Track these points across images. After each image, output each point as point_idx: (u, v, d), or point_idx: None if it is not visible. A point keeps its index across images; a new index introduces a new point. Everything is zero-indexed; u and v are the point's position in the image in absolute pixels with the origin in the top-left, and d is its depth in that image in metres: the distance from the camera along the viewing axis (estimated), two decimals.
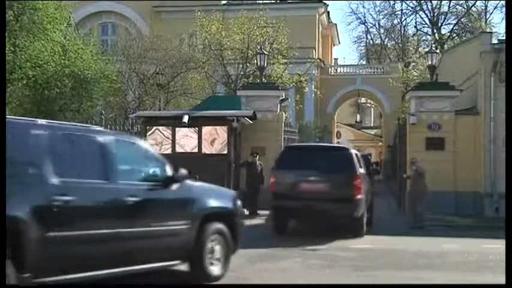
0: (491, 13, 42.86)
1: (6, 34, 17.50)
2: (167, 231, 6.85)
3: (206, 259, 7.23)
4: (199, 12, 26.67)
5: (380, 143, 47.89)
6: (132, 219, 6.46)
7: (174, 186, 6.98)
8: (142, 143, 7.55)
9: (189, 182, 7.26)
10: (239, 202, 8.10)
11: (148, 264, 6.72)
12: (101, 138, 6.54)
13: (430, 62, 18.39)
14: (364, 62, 48.48)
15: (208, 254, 7.27)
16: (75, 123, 8.07)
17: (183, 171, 7.12)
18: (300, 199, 11.81)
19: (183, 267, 7.29)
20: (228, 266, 7.62)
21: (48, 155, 5.83)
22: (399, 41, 44.98)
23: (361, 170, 12.70)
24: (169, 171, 7.02)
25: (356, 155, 12.94)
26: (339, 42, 50.71)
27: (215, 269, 7.36)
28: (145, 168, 7.06)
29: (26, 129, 5.87)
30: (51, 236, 5.56)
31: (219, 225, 7.44)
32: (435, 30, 42.02)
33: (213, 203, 7.54)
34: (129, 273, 6.50)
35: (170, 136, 16.60)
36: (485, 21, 40.25)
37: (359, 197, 12.00)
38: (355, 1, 60.66)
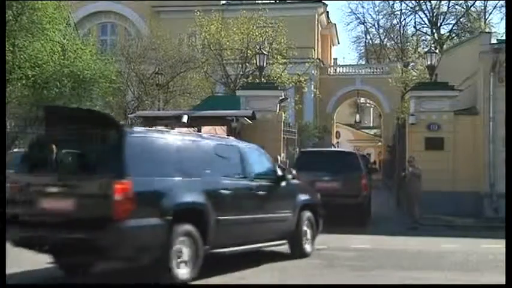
0: (490, 13, 42.86)
1: (6, 34, 17.49)
2: (281, 218, 9.02)
3: (302, 240, 9.41)
4: (198, 12, 26.68)
5: (379, 143, 47.88)
6: (260, 207, 8.55)
7: (283, 183, 9.20)
8: (261, 150, 9.56)
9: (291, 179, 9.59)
10: (319, 195, 10.29)
11: (269, 242, 8.91)
12: (239, 147, 8.88)
13: (429, 62, 18.37)
14: (363, 62, 48.45)
15: (303, 236, 9.42)
16: (220, 136, 10.30)
17: (293, 171, 9.82)
18: None
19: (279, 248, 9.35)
20: (314, 246, 9.73)
21: (215, 159, 8.02)
22: (398, 41, 44.95)
23: (365, 170, 15.13)
24: (279, 171, 9.34)
25: (360, 157, 15.53)
26: (338, 42, 50.75)
27: (308, 247, 9.59)
28: (265, 168, 9.18)
29: (198, 140, 8.14)
30: (220, 219, 7.52)
31: (309, 213, 9.65)
32: (434, 30, 42.00)
33: (305, 196, 9.77)
34: (256, 250, 8.68)
35: None
36: (485, 21, 40.24)
37: (365, 193, 14.69)
38: (355, 1, 60.52)
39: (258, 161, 9.15)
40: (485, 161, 16.74)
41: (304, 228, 9.48)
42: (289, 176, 9.49)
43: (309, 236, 9.60)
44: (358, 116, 50.39)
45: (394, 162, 23.05)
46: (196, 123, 16.49)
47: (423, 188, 14.77)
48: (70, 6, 23.48)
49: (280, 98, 18.84)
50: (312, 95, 33.89)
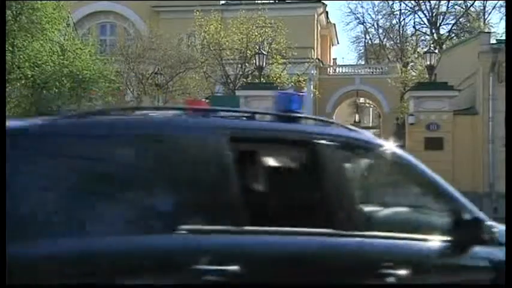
0: (489, 13, 42.81)
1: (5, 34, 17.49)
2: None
3: None
4: (197, 12, 26.67)
5: None
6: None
7: None
8: None
9: None
10: None
11: None
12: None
13: (428, 62, 18.40)
14: (362, 62, 48.42)
15: None
16: None
17: None
18: None
19: None
20: None
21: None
22: (398, 41, 44.92)
23: None
24: None
25: None
26: (338, 42, 50.76)
27: None
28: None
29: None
30: None
31: None
32: (434, 30, 41.99)
33: None
34: None
35: None
36: (484, 21, 40.24)
37: None
38: (354, 1, 60.66)
39: None
40: (485, 161, 16.77)
41: None
42: None
43: None
44: (357, 116, 50.39)
45: None
46: None
47: None
48: (69, 6, 23.48)
49: None
50: (311, 95, 33.87)
